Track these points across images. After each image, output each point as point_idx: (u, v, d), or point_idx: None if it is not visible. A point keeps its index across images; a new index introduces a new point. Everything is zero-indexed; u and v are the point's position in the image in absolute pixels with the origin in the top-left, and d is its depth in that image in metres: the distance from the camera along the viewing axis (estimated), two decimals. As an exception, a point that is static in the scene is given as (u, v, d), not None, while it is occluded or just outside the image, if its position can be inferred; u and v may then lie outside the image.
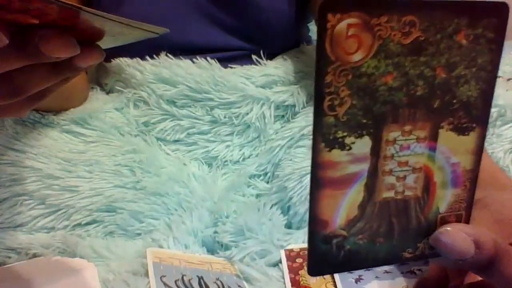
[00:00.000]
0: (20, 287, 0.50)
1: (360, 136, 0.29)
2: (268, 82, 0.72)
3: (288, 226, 0.63)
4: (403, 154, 0.30)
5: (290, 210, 0.63)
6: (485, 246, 0.31)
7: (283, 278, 0.55)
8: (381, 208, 0.31)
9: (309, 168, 0.29)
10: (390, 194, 0.31)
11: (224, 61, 0.72)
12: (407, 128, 0.29)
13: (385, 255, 0.32)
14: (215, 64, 0.71)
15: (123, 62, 0.73)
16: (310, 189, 0.29)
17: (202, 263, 0.56)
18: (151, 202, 0.63)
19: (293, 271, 0.55)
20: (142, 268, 0.54)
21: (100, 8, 0.75)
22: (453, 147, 0.31)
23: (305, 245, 0.59)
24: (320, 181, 0.29)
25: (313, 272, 0.31)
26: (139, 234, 0.62)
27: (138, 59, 0.73)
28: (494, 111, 0.59)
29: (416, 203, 0.32)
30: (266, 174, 0.70)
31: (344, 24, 0.26)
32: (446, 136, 0.30)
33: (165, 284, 0.51)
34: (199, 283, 0.52)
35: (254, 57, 0.73)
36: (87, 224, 0.61)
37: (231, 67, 0.72)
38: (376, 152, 0.29)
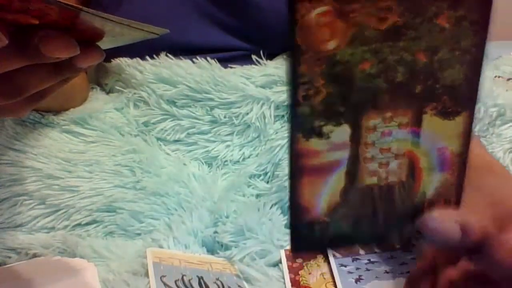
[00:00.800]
0: (20, 287, 0.50)
1: (338, 124, 0.28)
2: (268, 82, 0.72)
3: (288, 226, 0.63)
4: (385, 141, 0.30)
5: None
6: (471, 230, 0.31)
7: (283, 278, 0.55)
8: (364, 194, 0.31)
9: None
10: (373, 180, 0.31)
11: (224, 61, 0.72)
12: (388, 114, 0.29)
13: (370, 237, 0.32)
14: (215, 64, 0.71)
15: (123, 62, 0.73)
16: (289, 177, 0.29)
17: (202, 263, 0.56)
18: (151, 202, 0.63)
19: (293, 271, 0.55)
20: (142, 268, 0.54)
21: (100, 7, 0.75)
22: (439, 131, 0.30)
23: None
24: (300, 169, 0.29)
25: (296, 251, 0.32)
26: (139, 234, 0.62)
27: (138, 59, 0.73)
28: (493, 110, 0.59)
29: (400, 188, 0.31)
30: (266, 174, 0.69)
31: (316, 13, 0.25)
32: (431, 121, 0.30)
33: (165, 284, 0.51)
34: (199, 283, 0.52)
35: (254, 57, 0.73)
36: (87, 224, 0.61)
37: (231, 67, 0.72)
38: (356, 139, 0.29)
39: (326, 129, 0.28)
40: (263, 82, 0.71)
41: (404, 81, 0.28)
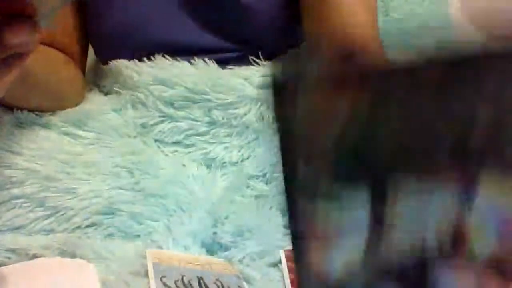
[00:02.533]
0: (20, 289, 0.50)
1: (353, 185, 0.23)
2: (266, 82, 0.72)
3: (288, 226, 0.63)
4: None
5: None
6: None
7: (283, 278, 0.55)
8: (388, 263, 0.26)
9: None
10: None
11: (222, 63, 0.72)
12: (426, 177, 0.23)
13: None
14: (213, 65, 0.71)
15: (120, 63, 0.73)
16: (295, 242, 0.25)
17: (202, 264, 0.56)
18: (150, 204, 0.63)
19: (293, 271, 0.55)
20: (142, 268, 0.54)
21: (93, 7, 0.76)
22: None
23: (305, 245, 0.59)
24: (304, 233, 0.25)
25: None
26: (138, 236, 0.62)
27: (135, 60, 0.73)
28: None
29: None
30: (265, 175, 0.69)
31: None
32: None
33: (165, 284, 0.51)
34: (199, 284, 0.52)
35: (251, 58, 0.73)
36: (87, 226, 0.61)
37: (229, 68, 0.72)
38: (379, 204, 0.24)
39: (336, 190, 0.23)
40: (261, 82, 0.71)
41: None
